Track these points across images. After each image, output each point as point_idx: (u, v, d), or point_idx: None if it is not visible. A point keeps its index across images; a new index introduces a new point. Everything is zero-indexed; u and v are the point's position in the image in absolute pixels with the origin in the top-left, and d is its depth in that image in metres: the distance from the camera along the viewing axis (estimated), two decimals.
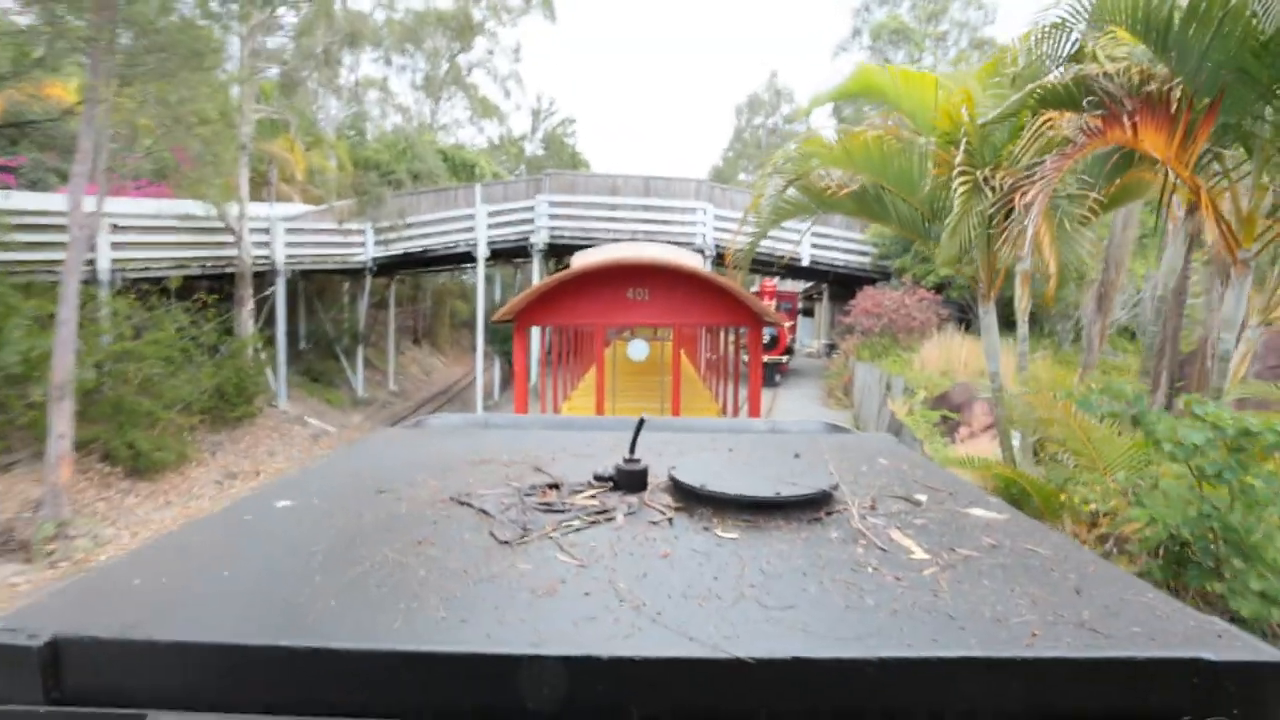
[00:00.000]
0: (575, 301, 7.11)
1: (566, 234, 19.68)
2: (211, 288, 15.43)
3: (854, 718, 0.70)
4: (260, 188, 23.75)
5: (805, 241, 20.94)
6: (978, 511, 1.19)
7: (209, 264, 15.74)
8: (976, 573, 0.94)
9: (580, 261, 8.47)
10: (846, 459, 1.51)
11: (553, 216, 19.63)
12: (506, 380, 24.54)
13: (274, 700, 0.71)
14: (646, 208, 19.51)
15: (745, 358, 9.82)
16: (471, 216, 20.30)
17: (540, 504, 1.17)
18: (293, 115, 19.62)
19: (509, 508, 1.15)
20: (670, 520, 1.11)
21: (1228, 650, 0.72)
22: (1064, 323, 18.59)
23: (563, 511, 1.13)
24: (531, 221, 19.82)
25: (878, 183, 6.38)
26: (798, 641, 0.74)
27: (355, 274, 22.03)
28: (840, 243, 21.42)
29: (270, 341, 18.14)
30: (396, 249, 20.45)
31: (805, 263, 20.97)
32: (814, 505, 1.15)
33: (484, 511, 1.13)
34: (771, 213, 6.42)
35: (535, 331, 11.05)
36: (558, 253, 22.35)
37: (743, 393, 9.90)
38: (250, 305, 16.35)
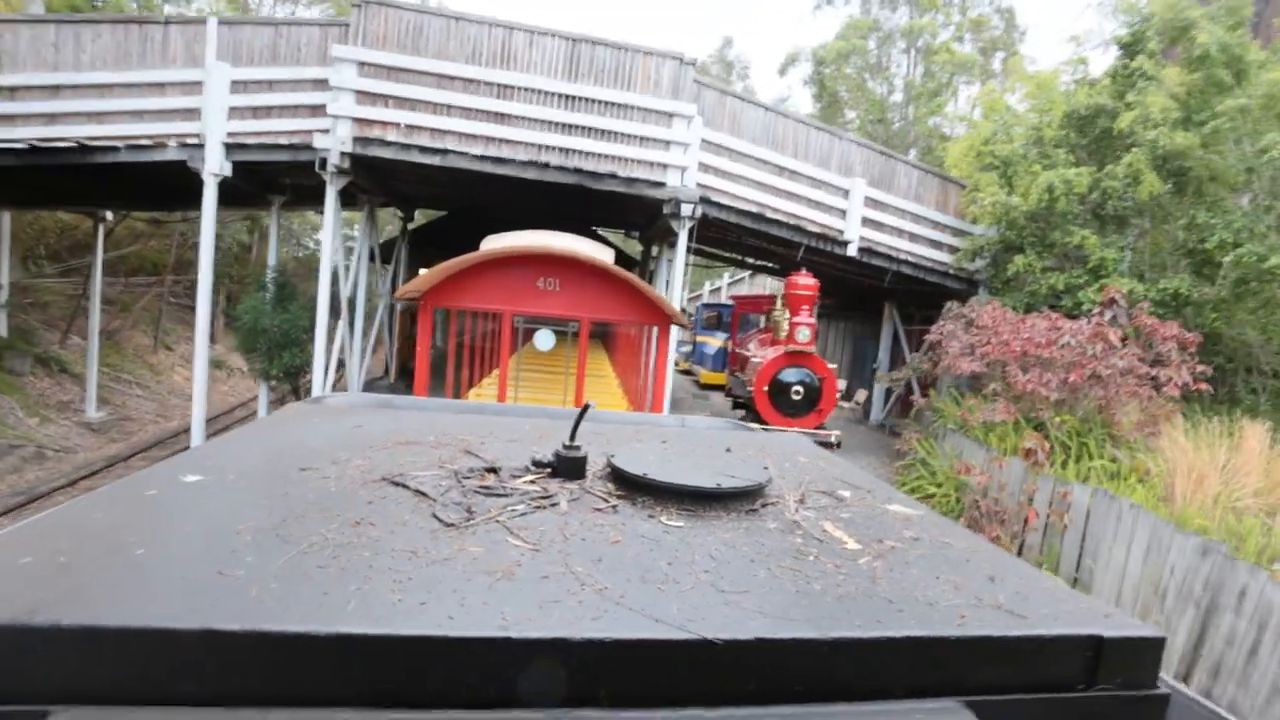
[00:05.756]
0: (484, 286, 6.43)
1: (390, 140, 9.16)
2: None
3: (810, 695, 0.72)
4: None
5: (853, 212, 11.55)
6: (896, 507, 1.24)
7: None
8: (904, 562, 0.98)
9: (489, 246, 7.17)
10: (770, 456, 1.52)
11: (364, 97, 9.09)
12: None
13: (207, 690, 0.64)
14: (574, 101, 9.38)
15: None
16: (196, 85, 9.42)
17: (481, 487, 1.12)
18: None
19: (448, 490, 1.11)
20: (614, 508, 1.09)
21: (1114, 627, 0.82)
22: None
23: (505, 496, 1.09)
24: (322, 111, 9.21)
25: None
26: (757, 623, 0.75)
27: None
28: (906, 222, 12.18)
29: None
30: (9, 138, 9.22)
31: (852, 250, 11.58)
32: (750, 497, 1.17)
33: (422, 493, 1.08)
34: None
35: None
36: (380, 181, 11.60)
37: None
38: None
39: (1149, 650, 0.81)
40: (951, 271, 12.48)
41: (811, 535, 1.04)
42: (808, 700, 0.71)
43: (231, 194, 11.04)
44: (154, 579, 0.73)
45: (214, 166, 9.41)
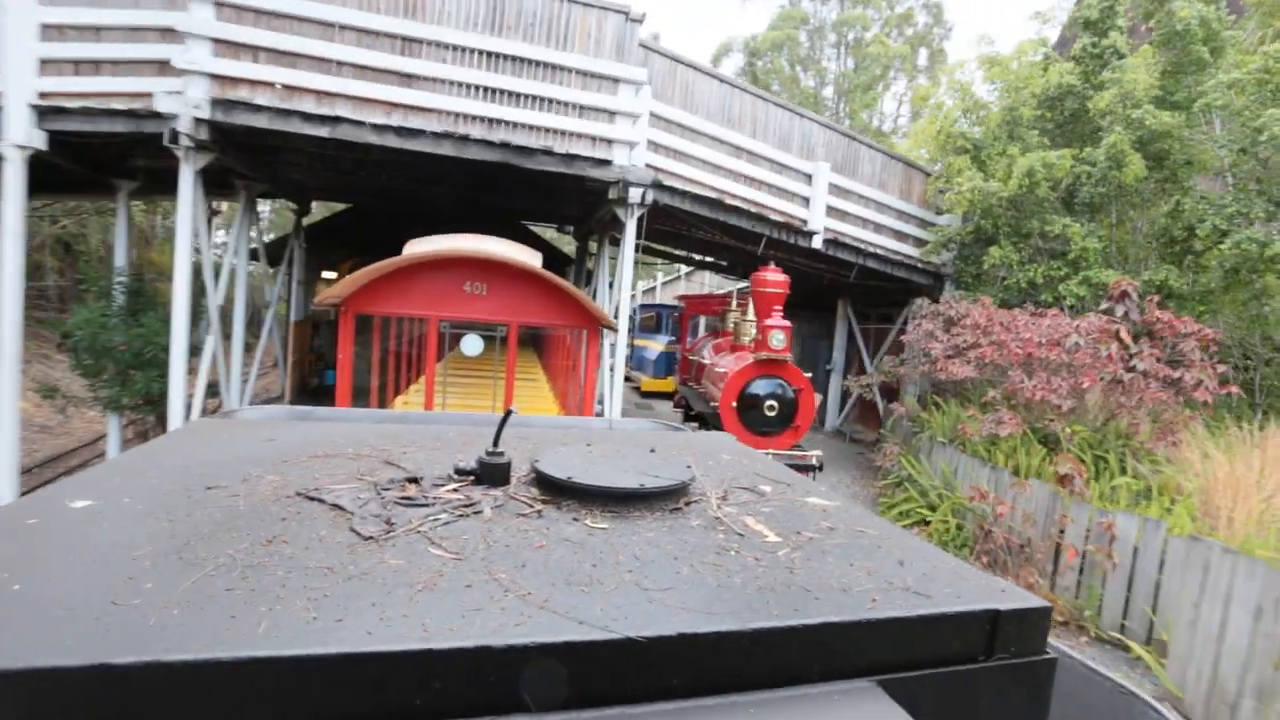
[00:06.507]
0: (408, 291, 6.11)
1: (262, 105, 7.20)
2: None
3: (732, 685, 0.73)
4: None
5: (817, 199, 10.37)
6: (814, 500, 1.26)
7: None
8: (821, 551, 1.00)
9: (413, 250, 6.75)
10: (694, 455, 1.53)
11: (226, 48, 7.10)
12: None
13: None
14: (498, 61, 7.69)
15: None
16: None
17: (401, 498, 1.08)
18: None
19: (367, 503, 1.05)
20: (539, 512, 1.07)
21: (1008, 601, 0.86)
22: None
23: (427, 505, 1.05)
24: (171, 68, 7.13)
25: None
26: (680, 619, 0.75)
27: None
28: (871, 211, 11.12)
29: None
30: None
31: (817, 242, 10.39)
32: (674, 496, 1.16)
33: (339, 507, 1.02)
34: None
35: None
36: (258, 162, 9.48)
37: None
38: None
39: (1038, 619, 0.86)
40: (920, 265, 11.54)
41: (733, 530, 1.05)
42: (730, 690, 0.72)
43: (56, 177, 8.71)
44: (36, 614, 0.66)
45: (17, 136, 7.16)
